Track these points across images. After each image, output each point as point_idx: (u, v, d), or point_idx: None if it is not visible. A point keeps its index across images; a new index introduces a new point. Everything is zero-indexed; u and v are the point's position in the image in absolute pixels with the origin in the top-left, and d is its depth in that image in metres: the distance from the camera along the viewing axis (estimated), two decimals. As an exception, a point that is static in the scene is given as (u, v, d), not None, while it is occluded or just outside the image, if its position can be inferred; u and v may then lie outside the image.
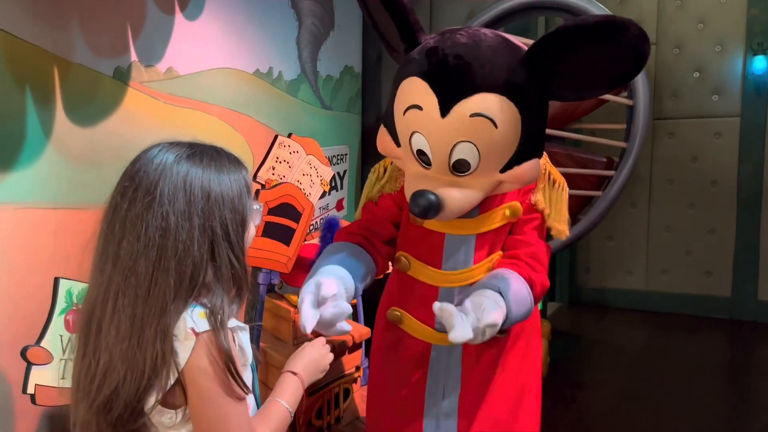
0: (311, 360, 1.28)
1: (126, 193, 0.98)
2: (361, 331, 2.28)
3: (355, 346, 2.23)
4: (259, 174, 2.08)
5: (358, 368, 2.28)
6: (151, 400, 0.98)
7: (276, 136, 2.14)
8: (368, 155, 3.57)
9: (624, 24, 1.19)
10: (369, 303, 2.85)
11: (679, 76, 4.24)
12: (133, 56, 2.09)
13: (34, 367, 1.39)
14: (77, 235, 1.90)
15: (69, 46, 1.87)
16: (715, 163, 4.19)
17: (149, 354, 0.94)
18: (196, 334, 0.96)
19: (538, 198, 1.53)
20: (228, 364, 0.98)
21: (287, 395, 1.17)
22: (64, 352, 1.44)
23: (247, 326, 1.07)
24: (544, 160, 1.53)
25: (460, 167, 1.35)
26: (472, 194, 1.39)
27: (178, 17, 2.25)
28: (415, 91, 1.32)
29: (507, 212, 1.52)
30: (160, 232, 0.95)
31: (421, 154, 1.36)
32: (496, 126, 1.29)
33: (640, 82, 2.75)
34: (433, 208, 1.34)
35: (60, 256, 1.82)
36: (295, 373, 1.22)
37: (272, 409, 1.14)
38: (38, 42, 1.77)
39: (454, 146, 1.32)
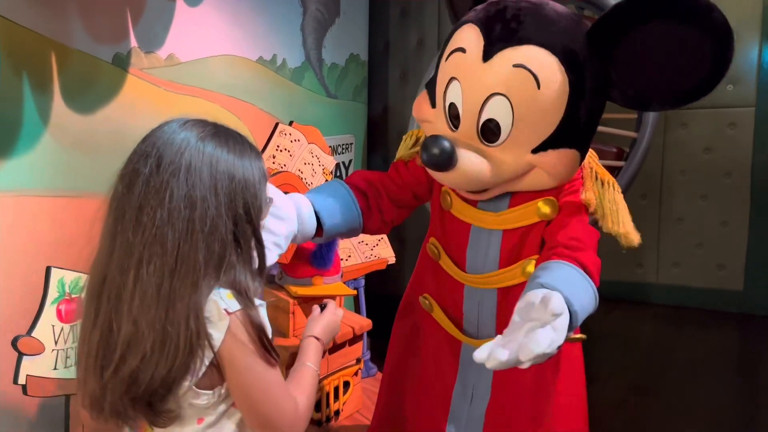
0: (328, 323, 1.31)
1: (148, 159, 0.95)
2: (362, 323, 2.25)
3: (356, 338, 2.20)
4: (258, 163, 2.05)
5: (358, 360, 2.25)
6: (185, 384, 0.97)
7: (276, 124, 2.10)
8: (374, 145, 3.53)
9: (708, 6, 1.06)
10: (373, 295, 2.83)
11: (693, 65, 4.15)
12: (133, 42, 2.06)
13: (25, 357, 1.37)
14: (75, 223, 1.88)
15: (67, 32, 1.84)
16: (728, 155, 4.11)
17: (183, 331, 0.92)
18: (229, 314, 0.96)
19: (589, 197, 1.33)
20: (262, 337, 0.99)
21: (314, 359, 1.21)
22: (56, 343, 1.42)
23: (264, 302, 1.06)
24: (590, 158, 1.38)
25: (488, 134, 1.23)
26: (494, 166, 1.25)
27: (180, 3, 2.22)
28: (465, 35, 1.25)
29: (542, 206, 1.33)
30: (186, 203, 0.93)
31: (452, 112, 1.27)
32: (538, 85, 1.16)
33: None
34: (446, 155, 1.20)
35: (57, 245, 1.80)
36: (317, 338, 1.26)
37: (304, 374, 1.17)
38: (36, 28, 1.74)
39: (487, 99, 1.20)
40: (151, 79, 2.13)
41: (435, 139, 1.22)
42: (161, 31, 2.16)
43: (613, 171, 2.84)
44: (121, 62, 2.03)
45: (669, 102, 1.22)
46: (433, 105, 1.33)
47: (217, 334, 0.96)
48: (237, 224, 0.98)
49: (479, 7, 1.31)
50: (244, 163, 1.00)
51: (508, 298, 1.39)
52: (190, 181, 0.93)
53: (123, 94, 2.03)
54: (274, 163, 2.06)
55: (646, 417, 2.67)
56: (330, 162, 2.35)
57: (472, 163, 1.24)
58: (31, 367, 1.37)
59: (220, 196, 0.95)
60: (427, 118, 1.35)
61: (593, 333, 3.90)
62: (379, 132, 3.80)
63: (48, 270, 1.39)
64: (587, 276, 1.19)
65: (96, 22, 1.92)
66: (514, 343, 0.96)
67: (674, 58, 1.13)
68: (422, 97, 1.38)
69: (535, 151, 1.24)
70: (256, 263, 1.04)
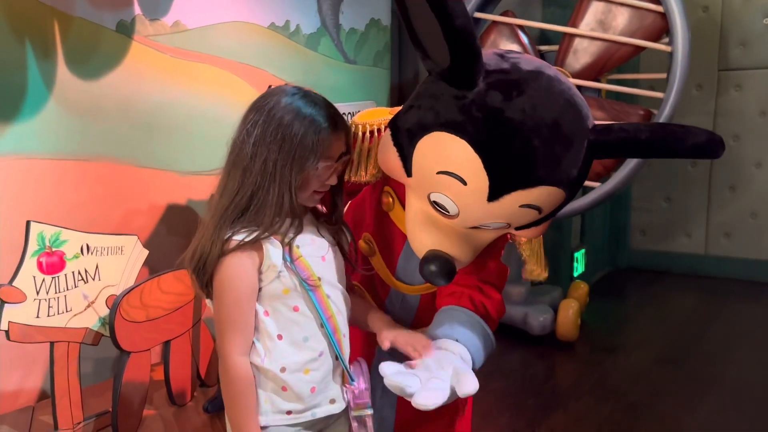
0: None
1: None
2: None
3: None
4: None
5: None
6: None
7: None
8: (399, 111, 3.50)
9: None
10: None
11: (747, 23, 3.90)
12: (137, 10, 2.12)
13: (6, 305, 1.47)
14: (81, 185, 1.98)
15: (68, 0, 1.92)
16: (785, 118, 3.86)
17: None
18: None
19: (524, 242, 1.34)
20: None
21: None
22: (37, 293, 1.51)
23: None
24: None
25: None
26: (481, 246, 1.25)
27: (185, -30, 2.26)
28: (463, 160, 1.06)
29: None
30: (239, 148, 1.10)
31: (440, 205, 1.15)
32: (540, 213, 1.13)
33: (679, 25, 2.52)
34: (452, 272, 1.18)
35: (64, 206, 1.91)
36: None
37: None
38: (36, -4, 1.83)
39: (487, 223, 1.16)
40: (156, 46, 2.19)
41: (438, 263, 1.17)
42: (165, -1, 2.22)
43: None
44: (125, 29, 2.09)
45: None
46: (409, 174, 1.15)
47: None
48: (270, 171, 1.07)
49: (466, 109, 1.05)
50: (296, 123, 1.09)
51: (430, 302, 1.40)
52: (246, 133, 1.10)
53: (128, 60, 2.11)
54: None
55: (667, 387, 2.58)
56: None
57: (467, 255, 1.23)
58: (13, 314, 1.47)
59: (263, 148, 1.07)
60: (399, 180, 1.21)
61: (627, 304, 3.80)
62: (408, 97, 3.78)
63: (28, 224, 1.47)
64: (489, 329, 1.29)
65: (97, -10, 2.00)
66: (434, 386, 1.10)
67: None
68: (391, 151, 1.16)
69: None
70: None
